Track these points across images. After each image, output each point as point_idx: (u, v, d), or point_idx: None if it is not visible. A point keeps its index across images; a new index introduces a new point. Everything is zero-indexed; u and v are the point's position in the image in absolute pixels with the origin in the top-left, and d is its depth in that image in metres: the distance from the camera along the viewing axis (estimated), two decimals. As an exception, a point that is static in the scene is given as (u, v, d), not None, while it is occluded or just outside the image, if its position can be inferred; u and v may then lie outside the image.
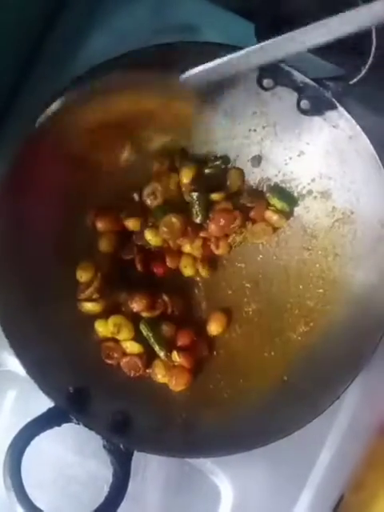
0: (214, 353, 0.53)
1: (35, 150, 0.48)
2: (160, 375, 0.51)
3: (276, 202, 0.53)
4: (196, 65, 0.46)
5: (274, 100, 0.49)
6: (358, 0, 0.44)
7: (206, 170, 0.53)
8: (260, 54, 0.44)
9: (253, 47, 0.44)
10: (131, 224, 0.53)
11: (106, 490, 0.45)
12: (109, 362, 0.51)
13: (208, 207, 0.52)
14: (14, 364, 0.48)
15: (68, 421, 0.46)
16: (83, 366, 0.49)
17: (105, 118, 0.50)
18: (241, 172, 0.54)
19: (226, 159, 0.54)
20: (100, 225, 0.53)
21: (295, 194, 0.53)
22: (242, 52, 0.44)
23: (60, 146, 0.49)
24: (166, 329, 0.52)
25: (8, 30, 0.49)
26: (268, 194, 0.53)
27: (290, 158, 0.52)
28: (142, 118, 0.51)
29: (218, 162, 0.53)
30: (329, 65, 0.53)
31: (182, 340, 0.52)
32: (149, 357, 0.52)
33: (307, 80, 0.48)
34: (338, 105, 0.47)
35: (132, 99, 0.50)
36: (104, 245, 0.53)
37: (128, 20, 0.54)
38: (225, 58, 0.45)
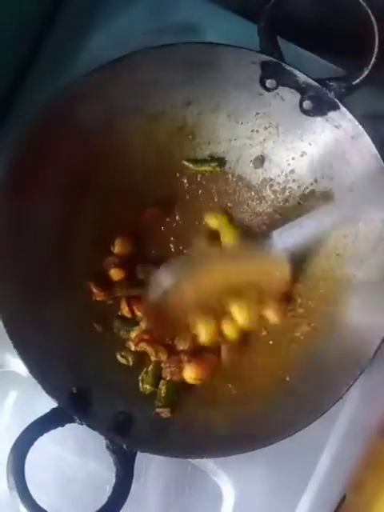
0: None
1: (35, 150, 0.48)
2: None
3: None
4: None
5: (276, 100, 0.49)
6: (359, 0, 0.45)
7: (205, 168, 0.54)
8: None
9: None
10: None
11: (108, 490, 0.45)
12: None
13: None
14: (17, 365, 0.48)
15: (71, 421, 0.46)
16: (86, 367, 0.49)
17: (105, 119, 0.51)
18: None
19: (222, 161, 0.54)
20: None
21: (298, 196, 0.53)
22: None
23: (60, 146, 0.49)
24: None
25: (7, 30, 0.49)
26: None
27: (293, 159, 0.52)
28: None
29: (213, 164, 0.54)
30: (331, 65, 0.53)
31: None
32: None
33: (310, 80, 0.48)
34: (340, 105, 0.48)
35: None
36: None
37: (128, 20, 0.54)
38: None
